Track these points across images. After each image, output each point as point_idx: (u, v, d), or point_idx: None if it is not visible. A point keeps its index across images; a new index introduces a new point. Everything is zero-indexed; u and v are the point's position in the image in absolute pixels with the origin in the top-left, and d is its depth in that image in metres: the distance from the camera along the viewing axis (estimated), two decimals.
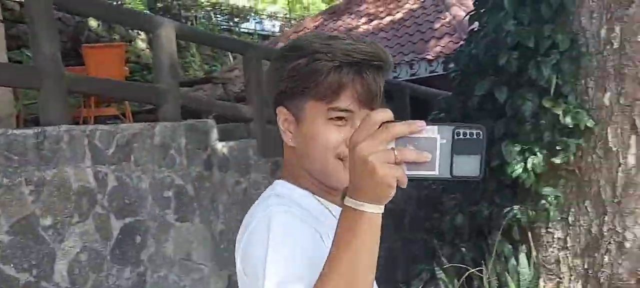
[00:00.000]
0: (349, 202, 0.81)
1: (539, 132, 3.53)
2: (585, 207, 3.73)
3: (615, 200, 3.64)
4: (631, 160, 3.57)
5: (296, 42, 1.06)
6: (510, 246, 3.81)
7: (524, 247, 3.88)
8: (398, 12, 11.07)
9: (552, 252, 3.88)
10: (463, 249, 4.12)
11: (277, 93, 1.06)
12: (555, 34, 3.40)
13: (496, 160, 3.69)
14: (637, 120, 3.49)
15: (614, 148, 3.58)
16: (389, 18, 11.14)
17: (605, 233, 3.69)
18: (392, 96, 6.33)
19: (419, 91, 6.92)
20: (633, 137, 3.54)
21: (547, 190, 3.67)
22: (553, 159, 3.50)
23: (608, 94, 3.51)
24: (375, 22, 11.27)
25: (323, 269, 0.82)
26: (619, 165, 3.60)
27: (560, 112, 3.39)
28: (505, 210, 3.74)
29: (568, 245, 3.82)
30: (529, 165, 3.57)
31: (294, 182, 1.07)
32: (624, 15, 3.33)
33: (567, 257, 3.81)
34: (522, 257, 3.79)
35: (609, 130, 3.57)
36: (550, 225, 3.85)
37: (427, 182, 5.30)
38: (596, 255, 3.74)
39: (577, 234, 3.77)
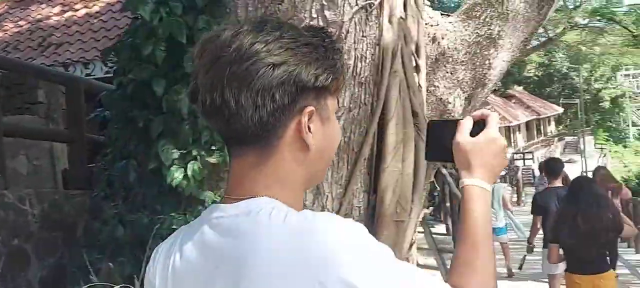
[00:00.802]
0: (485, 185, 1.09)
1: (197, 132, 3.27)
2: None
3: None
4: None
5: (316, 27, 1.00)
6: None
7: None
8: (95, 4, 10.26)
9: None
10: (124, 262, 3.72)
11: (301, 86, 0.94)
12: (210, 25, 3.17)
13: (154, 163, 3.35)
14: None
15: None
16: (84, 10, 10.27)
17: None
18: (66, 90, 5.66)
19: (95, 86, 6.25)
20: None
21: (207, 194, 3.44)
22: (209, 158, 3.26)
23: None
24: (69, 14, 10.30)
25: (467, 244, 1.05)
26: None
27: None
28: (161, 218, 3.43)
29: None
30: (189, 172, 3.28)
31: (279, 198, 0.95)
32: (278, 10, 3.23)
33: None
34: None
35: None
36: None
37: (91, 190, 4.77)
38: None
39: None
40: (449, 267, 2.85)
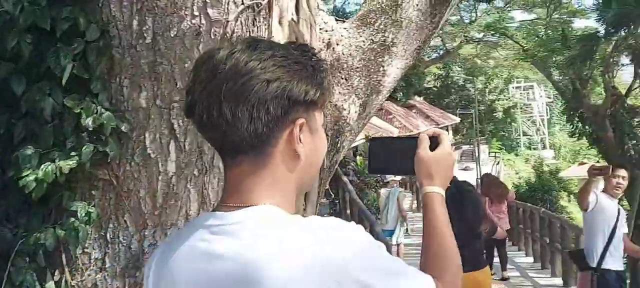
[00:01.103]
0: (442, 192, 1.29)
1: (61, 134, 2.96)
2: (125, 221, 3.31)
3: (156, 213, 3.29)
4: (171, 167, 3.27)
5: (304, 47, 1.09)
6: (33, 273, 3.16)
7: (57, 272, 3.28)
8: None
9: (89, 275, 3.36)
10: None
11: (293, 100, 1.03)
12: (77, 18, 2.87)
13: (13, 170, 3.00)
14: (176, 125, 3.20)
15: (153, 155, 3.23)
16: None
17: (146, 249, 3.33)
18: None
19: None
20: (172, 143, 3.24)
21: (77, 205, 3.13)
22: (63, 162, 2.93)
23: (144, 94, 3.13)
24: None
25: (436, 238, 1.23)
26: (159, 173, 3.26)
27: (80, 112, 2.88)
28: (27, 233, 3.08)
29: (106, 265, 3.34)
30: (40, 174, 2.94)
31: (276, 205, 1.04)
32: (156, 6, 3.00)
33: (105, 279, 3.33)
34: (51, 285, 3.18)
35: (146, 135, 3.21)
36: (87, 244, 3.32)
37: None
38: (137, 274, 3.34)
39: (116, 252, 3.32)
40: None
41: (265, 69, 1.00)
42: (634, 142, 22.47)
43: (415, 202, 20.08)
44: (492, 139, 52.96)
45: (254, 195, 1.05)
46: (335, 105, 4.31)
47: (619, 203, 5.87)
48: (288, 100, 1.03)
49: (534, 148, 55.16)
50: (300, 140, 1.07)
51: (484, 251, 5.00)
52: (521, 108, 58.41)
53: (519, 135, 58.21)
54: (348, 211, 9.98)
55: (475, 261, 4.82)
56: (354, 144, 25.07)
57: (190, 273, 1.04)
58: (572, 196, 39.68)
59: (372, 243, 1.02)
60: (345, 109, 4.36)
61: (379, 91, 4.54)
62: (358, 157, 16.55)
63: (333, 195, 11.02)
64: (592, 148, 35.15)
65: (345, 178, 10.12)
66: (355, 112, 4.43)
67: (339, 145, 4.55)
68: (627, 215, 20.72)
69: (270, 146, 1.05)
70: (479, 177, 30.39)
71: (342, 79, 4.32)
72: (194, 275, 1.03)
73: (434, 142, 1.31)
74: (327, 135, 4.22)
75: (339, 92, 4.33)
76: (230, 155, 1.07)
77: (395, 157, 1.35)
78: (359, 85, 4.37)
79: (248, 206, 1.03)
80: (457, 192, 4.89)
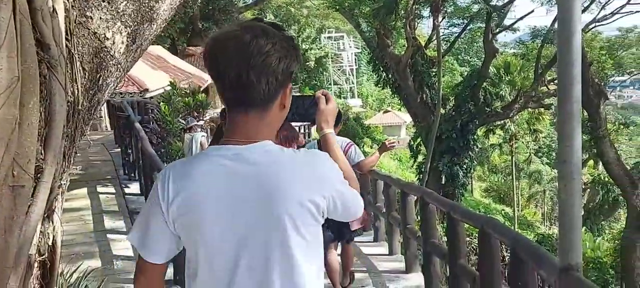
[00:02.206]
0: (332, 131, 1.88)
1: None
2: None
3: None
4: None
5: (281, 28, 1.67)
6: None
7: None
8: None
9: None
10: None
11: (290, 72, 1.63)
12: None
13: None
14: None
15: None
16: None
17: None
18: None
19: None
20: None
21: None
22: None
23: None
24: None
25: (339, 163, 1.72)
26: None
27: None
28: None
29: None
30: None
31: (270, 140, 1.63)
32: None
33: None
34: None
35: None
36: None
37: None
38: None
39: None
40: None
41: (276, 50, 1.55)
42: (431, 91, 23.99)
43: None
44: (305, 87, 54.09)
45: (258, 135, 1.60)
46: (95, 33, 3.55)
47: None
48: (288, 72, 1.61)
49: (344, 97, 57.40)
50: (286, 97, 1.64)
51: None
52: (332, 58, 60.24)
53: (330, 84, 60.15)
54: (141, 162, 9.17)
55: None
56: (158, 90, 23.49)
57: (217, 188, 1.56)
58: (375, 143, 42.13)
59: (335, 165, 1.68)
60: (108, 39, 3.62)
61: (152, 19, 3.85)
62: (162, 104, 15.52)
63: (127, 141, 10.15)
64: (394, 96, 37.33)
65: (137, 126, 9.26)
66: (122, 43, 3.72)
67: (101, 82, 3.80)
68: (424, 159, 22.00)
69: (272, 102, 1.60)
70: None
71: (104, 1, 3.59)
72: (219, 190, 1.55)
73: (326, 99, 1.91)
74: (84, 69, 3.49)
75: (100, 18, 3.59)
76: (243, 107, 1.59)
77: (299, 109, 1.86)
78: (126, 11, 3.65)
79: (255, 142, 1.58)
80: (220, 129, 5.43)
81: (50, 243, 3.31)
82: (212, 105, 44.61)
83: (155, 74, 26.87)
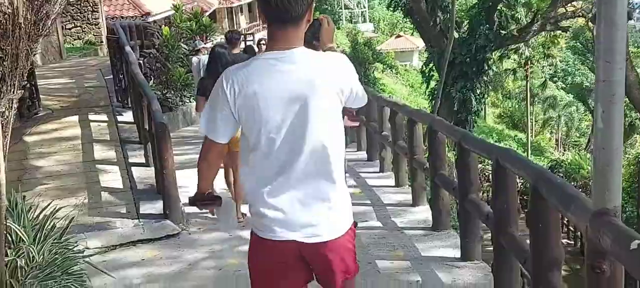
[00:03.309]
0: (332, 45, 4.05)
1: None
2: None
3: None
4: None
5: None
6: None
7: None
8: None
9: None
10: None
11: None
12: None
13: None
14: None
15: None
16: None
17: None
18: None
19: None
20: None
21: None
22: None
23: None
24: None
25: None
26: None
27: None
28: None
29: None
30: None
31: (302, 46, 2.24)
32: None
33: None
34: None
35: None
36: None
37: None
38: None
39: None
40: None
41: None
42: (445, 14, 23.01)
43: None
44: (315, 11, 52.81)
45: (294, 43, 2.15)
46: None
47: None
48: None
49: (355, 22, 56.04)
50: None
51: None
52: None
53: (341, 8, 58.67)
54: (131, 87, 8.61)
55: None
56: (161, 14, 22.60)
57: (270, 82, 2.14)
58: (386, 68, 41.23)
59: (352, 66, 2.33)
60: None
61: None
62: (164, 28, 14.82)
63: (118, 67, 9.60)
64: (407, 20, 36.14)
65: (127, 49, 8.67)
66: None
67: None
68: (436, 84, 21.13)
69: (303, 19, 2.14)
70: None
71: None
72: (272, 83, 2.14)
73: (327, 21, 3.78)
74: None
75: None
76: (282, 22, 2.12)
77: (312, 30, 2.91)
78: None
79: (293, 48, 2.14)
80: (213, 56, 5.82)
81: None
82: (219, 29, 43.54)
83: None
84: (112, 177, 6.78)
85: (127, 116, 9.23)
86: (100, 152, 7.64)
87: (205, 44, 13.79)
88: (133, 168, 7.07)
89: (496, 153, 3.68)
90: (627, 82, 14.76)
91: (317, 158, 2.17)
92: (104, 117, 9.26)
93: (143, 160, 7.22)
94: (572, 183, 20.39)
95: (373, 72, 28.80)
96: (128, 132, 8.52)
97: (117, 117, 9.32)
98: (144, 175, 6.88)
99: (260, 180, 2.20)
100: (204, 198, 2.46)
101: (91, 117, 9.25)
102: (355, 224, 2.35)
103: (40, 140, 8.05)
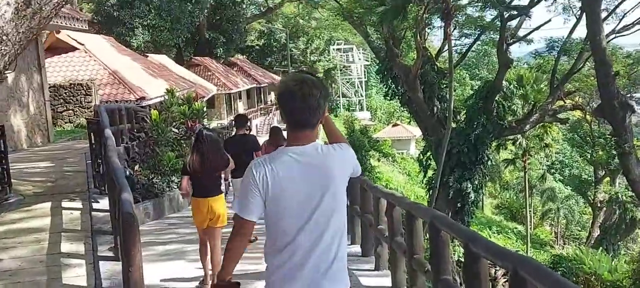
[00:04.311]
0: (328, 115, 2.99)
1: None
2: None
3: None
4: None
5: (315, 75, 2.86)
6: None
7: None
8: None
9: None
10: None
11: (326, 106, 2.81)
12: None
13: None
14: None
15: None
16: None
17: None
18: None
19: None
20: None
21: None
22: None
23: None
24: None
25: (334, 130, 3.08)
26: None
27: None
28: None
29: None
30: None
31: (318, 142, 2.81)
32: None
33: None
34: None
35: None
36: None
37: None
38: None
39: None
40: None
41: (322, 96, 2.62)
42: (442, 103, 22.81)
43: None
44: None
45: (311, 141, 2.64)
46: None
47: None
48: (325, 106, 2.68)
49: (353, 110, 56.24)
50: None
51: (219, 183, 6.59)
52: (341, 70, 59.16)
53: (339, 96, 59.04)
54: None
55: (211, 190, 6.31)
56: (156, 99, 22.23)
57: (291, 172, 2.59)
58: (382, 156, 40.88)
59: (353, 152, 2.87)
60: None
61: None
62: (153, 112, 14.39)
63: (97, 150, 9.05)
64: (404, 110, 36.09)
65: (107, 132, 8.14)
66: (8, 5, 2.61)
67: None
68: (434, 173, 20.74)
69: (317, 123, 2.67)
70: None
71: None
72: (292, 172, 2.59)
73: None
74: None
75: None
76: (302, 126, 2.63)
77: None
78: None
79: (309, 144, 2.64)
80: (197, 137, 6.37)
81: None
82: (216, 115, 43.34)
83: (155, 82, 25.90)
84: (76, 273, 6.07)
85: (104, 203, 8.58)
86: (68, 244, 6.95)
87: (203, 127, 13.41)
88: (101, 263, 6.37)
89: (514, 262, 3.06)
90: (632, 177, 14.28)
91: (335, 238, 2.68)
92: (79, 205, 8.60)
93: (113, 254, 6.53)
94: (572, 279, 19.50)
95: (369, 160, 28.30)
96: (102, 221, 7.84)
97: (93, 204, 8.66)
98: (114, 270, 6.19)
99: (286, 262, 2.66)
100: (228, 285, 2.75)
101: (65, 204, 8.58)
102: None
103: (4, 230, 7.35)
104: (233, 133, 10.93)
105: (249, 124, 9.96)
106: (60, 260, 6.42)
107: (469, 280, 3.84)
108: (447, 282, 4.57)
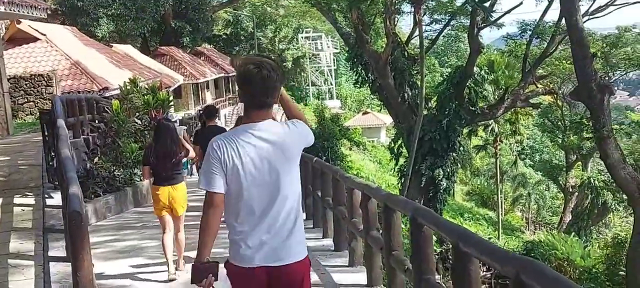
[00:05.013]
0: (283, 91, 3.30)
1: None
2: None
3: None
4: None
5: (273, 58, 3.14)
6: None
7: None
8: None
9: None
10: None
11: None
12: None
13: None
14: None
15: None
16: None
17: None
18: None
19: None
20: None
21: None
22: None
23: None
24: None
25: (292, 105, 3.34)
26: None
27: None
28: None
29: None
30: None
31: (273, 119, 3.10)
32: None
33: None
34: None
35: None
36: None
37: None
38: None
39: None
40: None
41: (278, 79, 2.90)
42: (413, 90, 22.50)
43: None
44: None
45: (266, 118, 2.90)
46: None
47: None
48: (281, 87, 3.00)
49: (323, 99, 55.72)
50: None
51: (179, 171, 6.51)
52: (310, 58, 58.56)
53: (308, 85, 58.48)
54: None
55: (170, 178, 6.36)
56: (116, 91, 21.42)
57: (250, 147, 2.85)
58: (354, 145, 40.51)
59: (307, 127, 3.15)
60: None
61: None
62: (114, 102, 13.76)
63: (50, 142, 8.43)
64: (374, 97, 35.68)
65: (59, 123, 7.54)
66: None
67: None
68: (405, 161, 20.41)
69: (273, 102, 2.92)
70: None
71: None
72: (251, 148, 2.85)
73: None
74: None
75: None
76: (261, 106, 2.90)
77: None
78: None
79: (265, 121, 2.89)
80: (158, 126, 6.58)
81: None
82: (184, 105, 42.40)
83: (119, 72, 25.03)
84: (23, 276, 5.51)
85: (58, 199, 7.97)
86: (16, 243, 6.37)
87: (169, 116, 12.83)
88: (51, 265, 5.82)
89: (516, 265, 2.64)
90: (611, 161, 14.08)
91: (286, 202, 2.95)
92: (31, 201, 7.99)
93: (65, 254, 5.98)
94: (547, 263, 19.41)
95: (340, 149, 27.88)
96: (55, 218, 7.26)
97: (47, 200, 8.05)
98: (66, 271, 5.63)
99: (245, 222, 2.93)
100: (207, 268, 2.82)
101: (17, 200, 7.96)
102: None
103: None
104: (200, 125, 10.54)
105: (218, 114, 9.90)
106: (8, 261, 5.85)
107: (458, 282, 3.42)
108: (430, 282, 4.14)
